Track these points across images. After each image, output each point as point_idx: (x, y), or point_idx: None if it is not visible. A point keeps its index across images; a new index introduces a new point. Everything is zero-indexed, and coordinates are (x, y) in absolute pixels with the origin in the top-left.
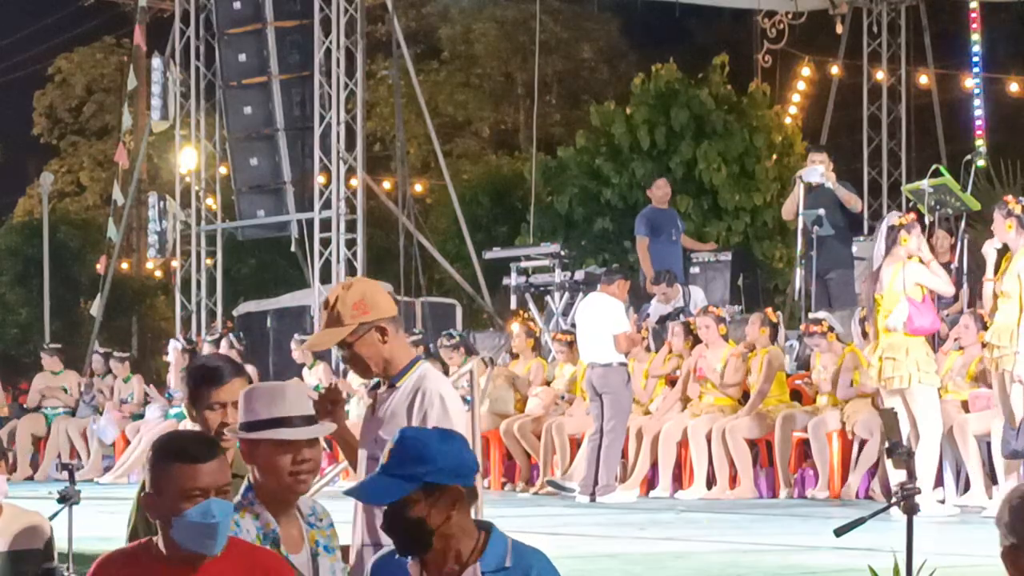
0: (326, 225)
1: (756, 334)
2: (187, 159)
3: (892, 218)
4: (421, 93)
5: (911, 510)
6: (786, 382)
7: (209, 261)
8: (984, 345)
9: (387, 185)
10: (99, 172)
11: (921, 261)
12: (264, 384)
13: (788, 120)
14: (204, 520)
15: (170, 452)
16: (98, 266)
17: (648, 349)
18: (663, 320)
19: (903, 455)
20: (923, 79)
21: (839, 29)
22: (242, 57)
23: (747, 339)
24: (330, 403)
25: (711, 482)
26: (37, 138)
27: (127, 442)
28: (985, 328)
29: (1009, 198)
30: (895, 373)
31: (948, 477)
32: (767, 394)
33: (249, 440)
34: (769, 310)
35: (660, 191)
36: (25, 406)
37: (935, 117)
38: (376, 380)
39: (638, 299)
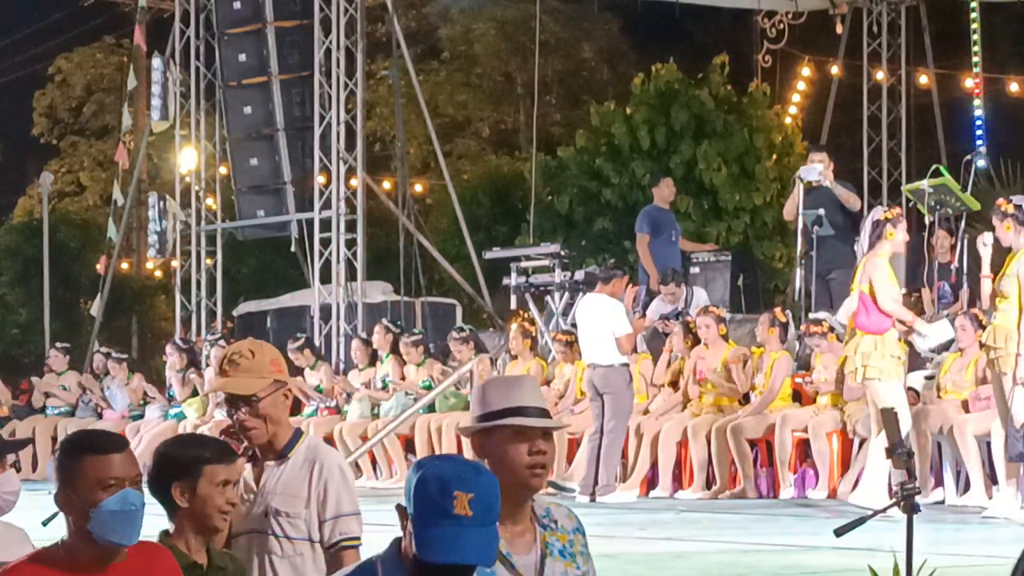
0: (326, 225)
1: (766, 335)
2: (187, 159)
3: (877, 212)
4: (421, 93)
5: (911, 510)
6: (787, 382)
7: (209, 261)
8: (981, 346)
9: (387, 185)
10: (99, 172)
11: None
12: (499, 377)
13: (788, 120)
14: (123, 508)
15: (80, 446)
16: (98, 266)
17: (635, 350)
18: (662, 319)
19: (903, 455)
20: (923, 79)
21: (839, 29)
22: (242, 57)
23: (758, 340)
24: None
25: (711, 482)
26: (37, 138)
27: None
28: (983, 328)
29: (1000, 200)
30: (848, 368)
31: (948, 477)
32: (775, 397)
33: (482, 432)
34: (778, 309)
35: (668, 189)
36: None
37: (935, 117)
38: (251, 452)
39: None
